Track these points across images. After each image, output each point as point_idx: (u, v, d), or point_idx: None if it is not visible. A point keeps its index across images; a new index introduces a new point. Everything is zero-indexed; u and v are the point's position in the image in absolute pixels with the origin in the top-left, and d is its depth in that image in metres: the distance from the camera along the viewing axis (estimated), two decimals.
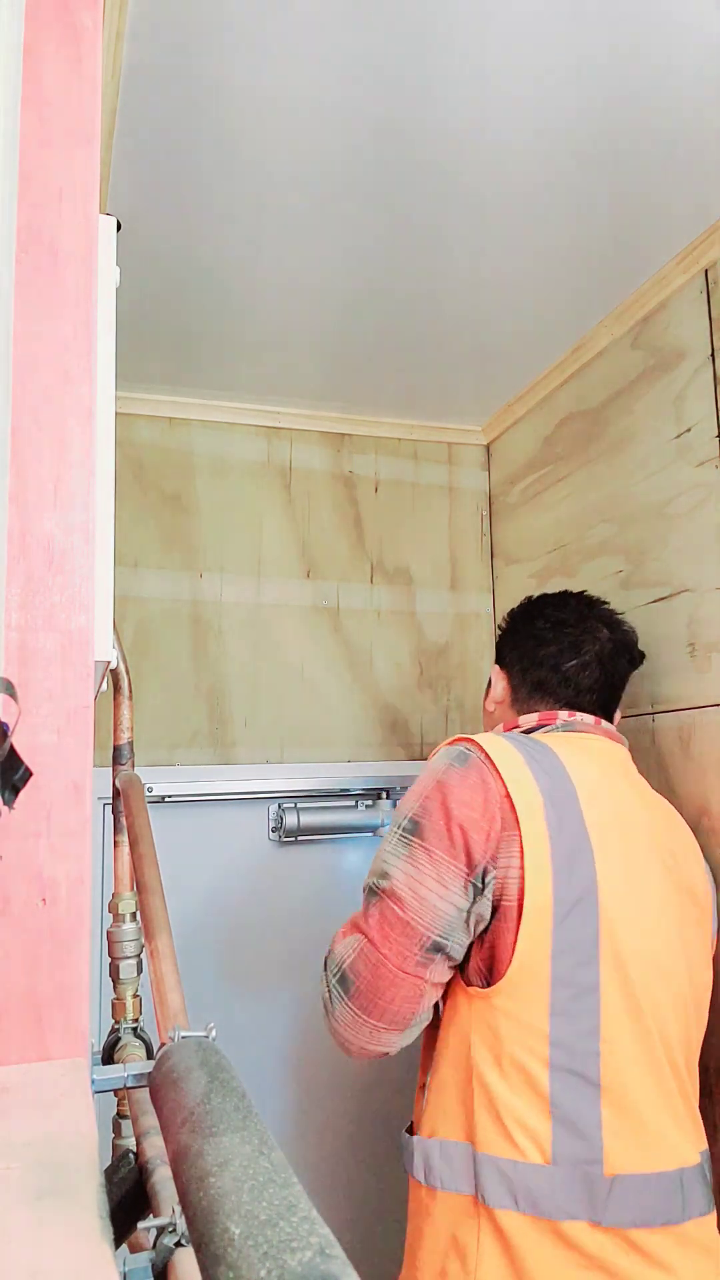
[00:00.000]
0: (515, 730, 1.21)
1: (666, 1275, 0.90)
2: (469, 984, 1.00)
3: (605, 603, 1.30)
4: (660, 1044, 0.97)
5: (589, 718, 1.19)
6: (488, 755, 1.02)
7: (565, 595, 1.31)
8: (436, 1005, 1.05)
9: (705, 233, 1.26)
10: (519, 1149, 0.93)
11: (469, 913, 0.97)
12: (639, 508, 1.43)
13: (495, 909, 0.97)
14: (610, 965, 0.96)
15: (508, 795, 0.99)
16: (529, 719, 1.21)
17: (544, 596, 1.32)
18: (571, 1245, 0.90)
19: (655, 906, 1.02)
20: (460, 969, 1.01)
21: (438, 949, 0.97)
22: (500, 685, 1.28)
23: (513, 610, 1.34)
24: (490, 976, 0.98)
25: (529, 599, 1.34)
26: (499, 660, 1.31)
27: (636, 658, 1.29)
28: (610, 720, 1.25)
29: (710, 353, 1.28)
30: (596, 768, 1.08)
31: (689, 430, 1.32)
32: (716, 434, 1.26)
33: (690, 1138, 0.98)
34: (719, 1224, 0.98)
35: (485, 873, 0.97)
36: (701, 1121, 1.02)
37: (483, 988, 0.98)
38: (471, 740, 1.05)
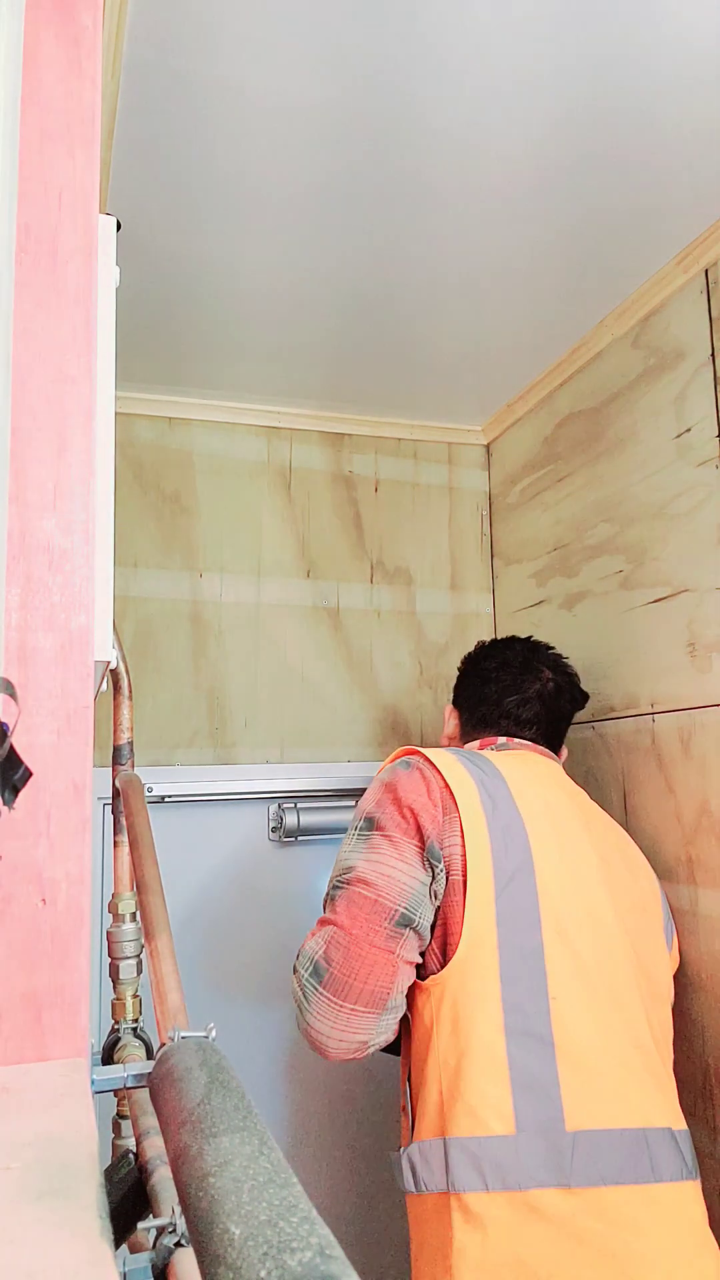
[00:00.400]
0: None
1: (636, 1237, 0.91)
2: (426, 976, 1.05)
3: (551, 648, 1.42)
4: (612, 1004, 1.03)
5: (525, 742, 1.31)
6: (427, 759, 1.14)
7: (513, 640, 1.43)
8: (405, 1020, 1.09)
9: (705, 233, 1.26)
10: (483, 1123, 0.95)
11: (429, 887, 1.05)
12: (639, 508, 1.43)
13: (446, 883, 1.05)
14: (552, 929, 1.04)
15: (446, 785, 1.10)
16: (471, 745, 1.34)
17: (494, 641, 1.45)
18: (541, 1216, 0.91)
19: (590, 879, 1.10)
20: (418, 968, 1.06)
21: (405, 922, 1.02)
22: (452, 722, 1.43)
23: (467, 654, 1.46)
24: (445, 954, 1.03)
25: (481, 643, 1.46)
26: (454, 700, 1.44)
27: (579, 698, 1.39)
28: (556, 752, 1.37)
29: (710, 353, 1.28)
30: (527, 770, 1.20)
31: (689, 430, 1.32)
32: (716, 434, 1.26)
33: (658, 1105, 1.00)
34: (703, 1191, 1.01)
35: (435, 849, 1.06)
36: (676, 1099, 1.04)
37: (438, 971, 1.03)
38: (413, 750, 1.18)
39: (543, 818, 1.12)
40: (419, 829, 1.07)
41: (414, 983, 1.06)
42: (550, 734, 1.35)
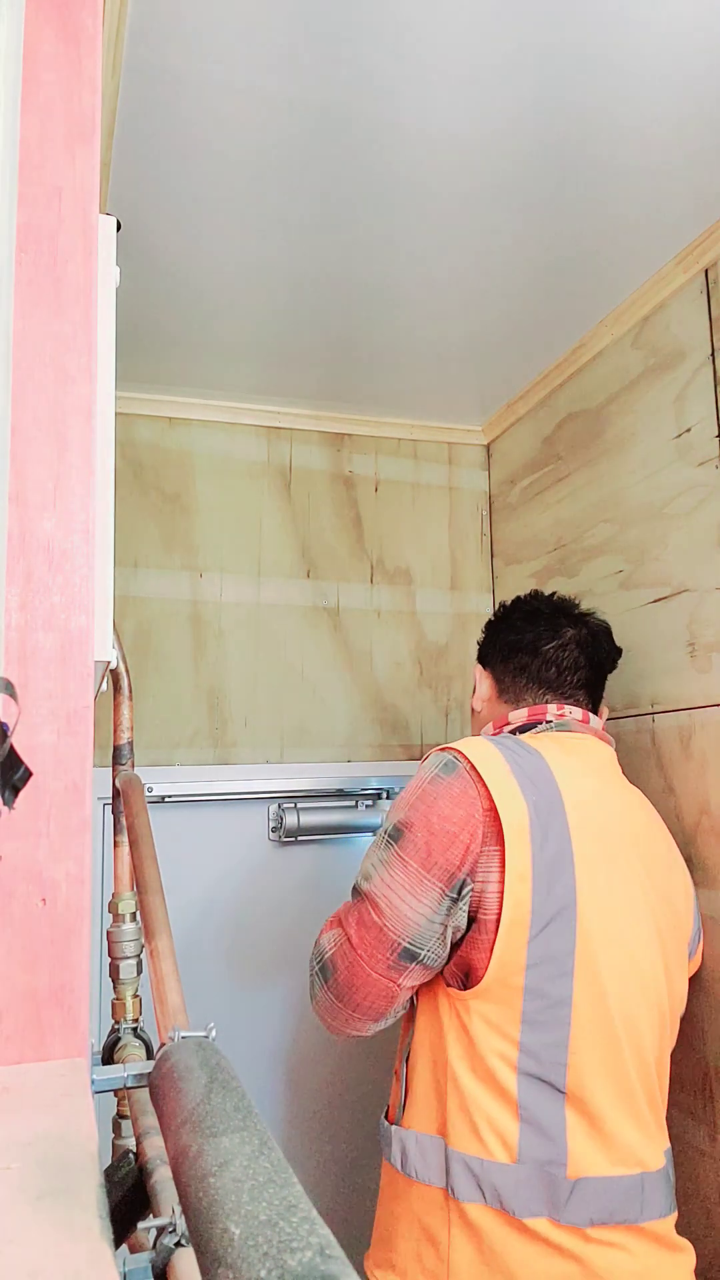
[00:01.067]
0: (505, 730, 1.20)
1: (628, 1257, 0.94)
2: (447, 984, 1.02)
3: (577, 604, 1.32)
4: (631, 1055, 0.98)
5: (577, 711, 1.19)
6: (473, 766, 1.01)
7: (537, 594, 1.34)
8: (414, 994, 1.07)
9: (705, 233, 1.26)
10: (486, 1147, 0.95)
11: (443, 925, 0.98)
12: (639, 508, 1.43)
13: (472, 920, 0.99)
14: (585, 978, 0.97)
15: (493, 809, 0.98)
16: (518, 715, 1.20)
17: (517, 599, 1.35)
18: (535, 1237, 0.94)
19: (636, 917, 1.02)
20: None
21: (411, 957, 0.98)
22: (485, 683, 1.29)
23: (488, 620, 1.37)
24: (466, 982, 1.00)
25: (503, 604, 1.36)
26: (481, 659, 1.33)
27: (615, 650, 1.29)
28: (596, 712, 1.26)
29: (710, 353, 1.28)
30: (585, 774, 1.08)
31: (689, 430, 1.32)
32: (716, 434, 1.26)
33: (654, 1141, 1.00)
34: (677, 1224, 1.02)
35: (462, 885, 0.98)
36: (664, 1123, 1.04)
37: (459, 989, 1.00)
38: (458, 751, 1.04)
39: (595, 841, 1.02)
40: (444, 865, 0.98)
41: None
42: (592, 682, 1.25)
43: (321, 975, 1.04)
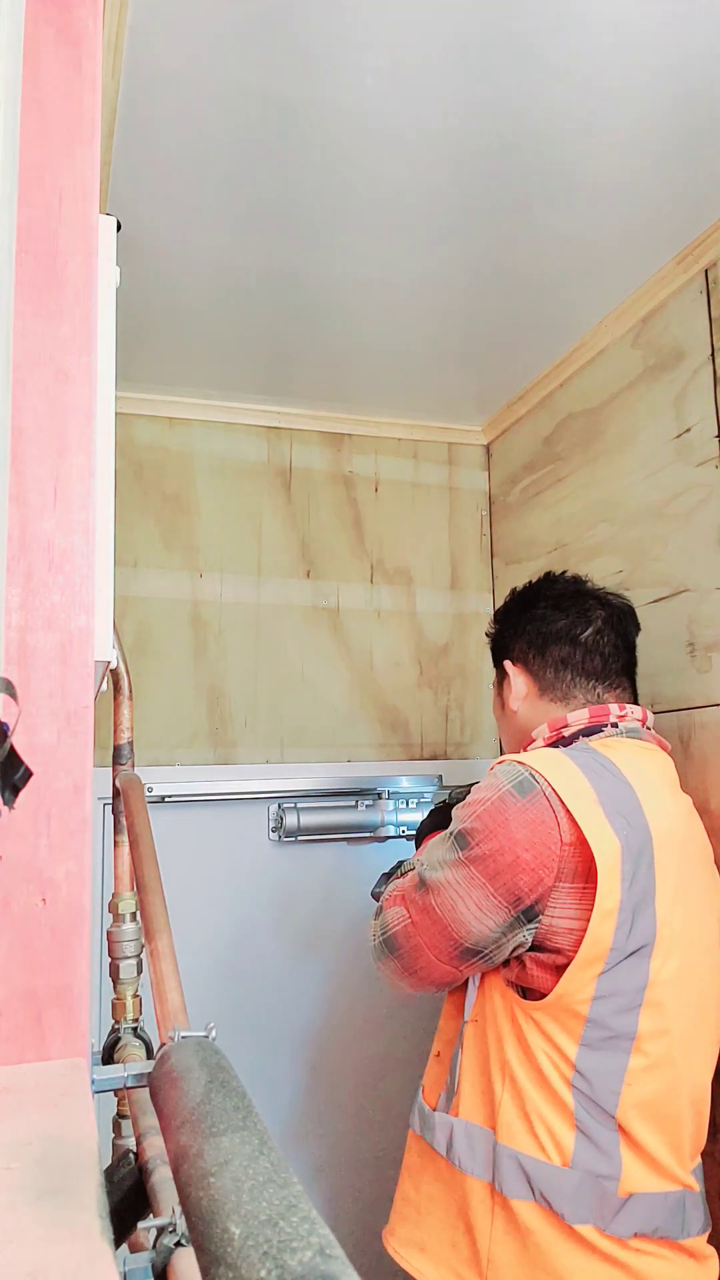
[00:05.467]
0: (564, 733, 1.11)
1: (667, 1265, 0.94)
2: (507, 982, 1.00)
3: (589, 579, 1.25)
4: (686, 1092, 0.96)
5: (637, 710, 1.12)
6: (556, 792, 0.93)
7: (550, 576, 1.26)
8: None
9: (705, 233, 1.26)
10: (542, 1148, 0.94)
11: (507, 936, 0.96)
12: (639, 508, 1.43)
13: (539, 947, 0.95)
14: (652, 1015, 0.93)
15: (577, 841, 0.92)
16: (578, 716, 1.10)
17: (530, 584, 1.26)
18: (582, 1242, 0.93)
19: (705, 946, 0.99)
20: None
21: (472, 954, 0.97)
22: (520, 680, 1.18)
23: (501, 607, 1.28)
24: (526, 993, 0.98)
25: (515, 591, 1.27)
26: (506, 656, 1.22)
27: (638, 625, 1.23)
28: (635, 690, 1.20)
29: (710, 353, 1.28)
30: (663, 797, 1.01)
31: (689, 430, 1.32)
32: (716, 434, 1.26)
33: (690, 1166, 0.99)
34: (709, 1238, 1.01)
35: (531, 911, 0.94)
36: (699, 1149, 1.03)
37: (519, 996, 0.98)
38: (535, 770, 0.96)
39: (676, 873, 0.96)
40: (513, 889, 0.93)
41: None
42: (630, 665, 1.18)
43: (387, 947, 1.03)
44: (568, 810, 0.92)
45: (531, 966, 0.96)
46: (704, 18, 0.91)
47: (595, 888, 0.90)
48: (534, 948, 0.96)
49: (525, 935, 0.95)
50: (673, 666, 1.33)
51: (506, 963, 0.99)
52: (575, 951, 0.92)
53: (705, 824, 1.23)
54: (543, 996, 0.94)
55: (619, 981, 0.92)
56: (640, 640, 1.28)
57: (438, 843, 1.03)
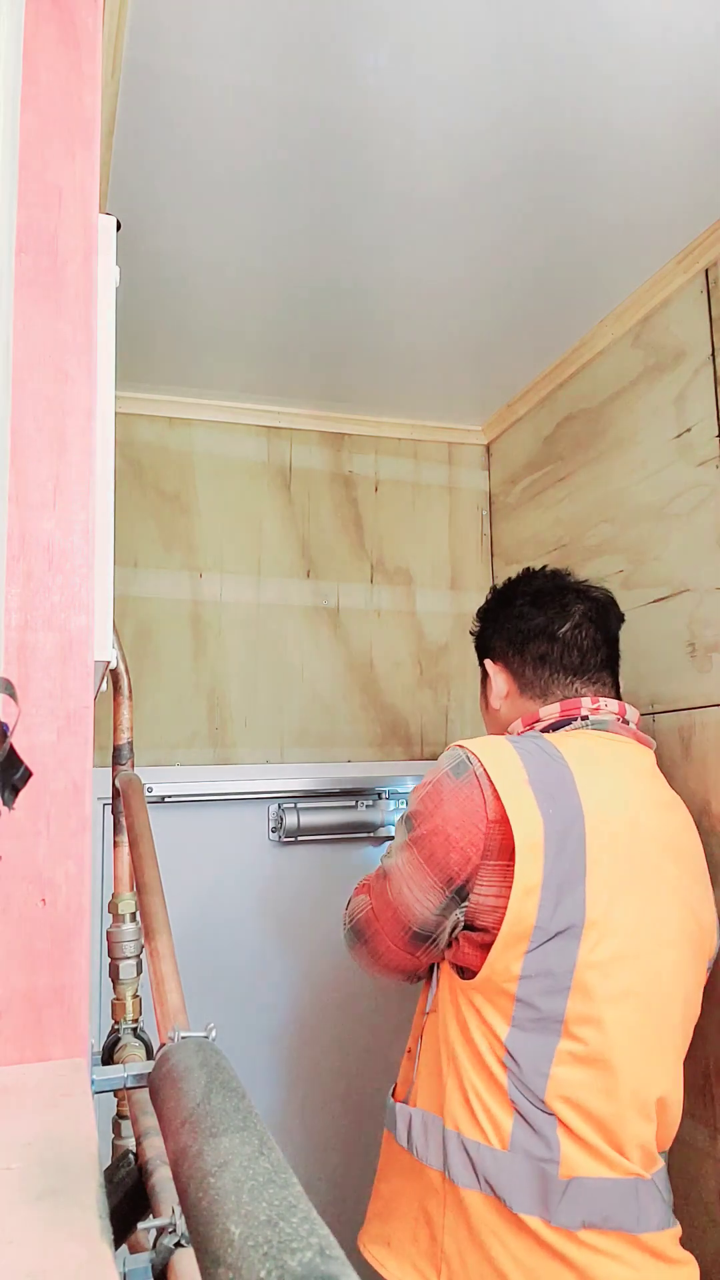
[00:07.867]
0: (536, 727, 1.12)
1: (623, 1267, 0.91)
2: (450, 963, 1.04)
3: (569, 573, 1.25)
4: (629, 1099, 0.94)
5: (613, 704, 1.12)
6: (486, 772, 0.96)
7: (529, 572, 1.26)
8: (433, 968, 1.09)
9: (705, 233, 1.26)
10: (482, 1131, 0.95)
11: (444, 917, 0.99)
12: (639, 507, 1.43)
13: (470, 925, 0.99)
14: (580, 999, 0.93)
15: (501, 820, 0.94)
16: (550, 711, 1.12)
17: (509, 581, 1.26)
18: (528, 1233, 0.92)
19: (661, 938, 0.97)
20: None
21: (421, 939, 1.01)
22: (501, 678, 1.20)
23: (483, 605, 1.28)
24: (463, 973, 1.01)
25: (494, 588, 1.28)
26: (488, 655, 1.23)
27: (621, 615, 1.23)
28: (617, 684, 1.20)
29: (710, 352, 1.28)
30: (614, 784, 1.01)
31: (689, 430, 1.32)
32: (716, 434, 1.26)
33: (648, 1157, 0.96)
34: (680, 1239, 0.98)
35: (463, 890, 0.97)
36: (666, 1142, 1.01)
37: (458, 977, 1.01)
38: (471, 752, 0.99)
39: (619, 859, 0.96)
40: (445, 867, 0.96)
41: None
42: (613, 659, 1.18)
43: (354, 935, 1.09)
44: (495, 788, 0.95)
45: (464, 944, 0.99)
46: (712, 17, 0.91)
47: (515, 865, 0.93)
48: (466, 926, 0.99)
49: (459, 915, 0.99)
50: (673, 666, 1.33)
51: (450, 944, 1.02)
52: (499, 929, 0.93)
53: (705, 824, 1.23)
54: (475, 975, 0.97)
55: (547, 962, 0.93)
56: (640, 640, 1.28)
57: (397, 827, 1.08)
